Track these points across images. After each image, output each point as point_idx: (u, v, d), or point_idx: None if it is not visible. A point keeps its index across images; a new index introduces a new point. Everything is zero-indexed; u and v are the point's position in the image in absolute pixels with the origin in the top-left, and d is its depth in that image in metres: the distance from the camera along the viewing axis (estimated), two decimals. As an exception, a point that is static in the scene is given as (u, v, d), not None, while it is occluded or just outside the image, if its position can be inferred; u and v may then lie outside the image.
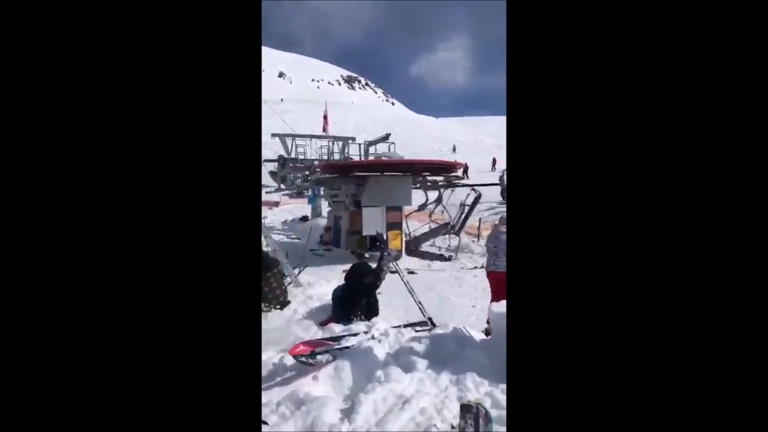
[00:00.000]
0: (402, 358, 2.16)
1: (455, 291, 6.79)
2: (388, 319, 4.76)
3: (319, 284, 5.64)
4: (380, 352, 2.27)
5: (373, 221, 10.08)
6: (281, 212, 18.70)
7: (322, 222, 14.48)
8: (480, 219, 12.40)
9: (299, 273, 6.56)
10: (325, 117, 16.35)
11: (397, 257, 10.23)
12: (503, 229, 4.24)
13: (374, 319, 2.95)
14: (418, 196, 11.71)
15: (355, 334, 2.64)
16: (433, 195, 12.89)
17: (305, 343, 2.43)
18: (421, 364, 2.06)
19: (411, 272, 8.88)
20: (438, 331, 2.58)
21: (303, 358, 2.13)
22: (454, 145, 41.50)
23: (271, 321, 4.05)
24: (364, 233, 10.22)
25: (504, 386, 1.85)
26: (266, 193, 17.63)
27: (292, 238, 13.88)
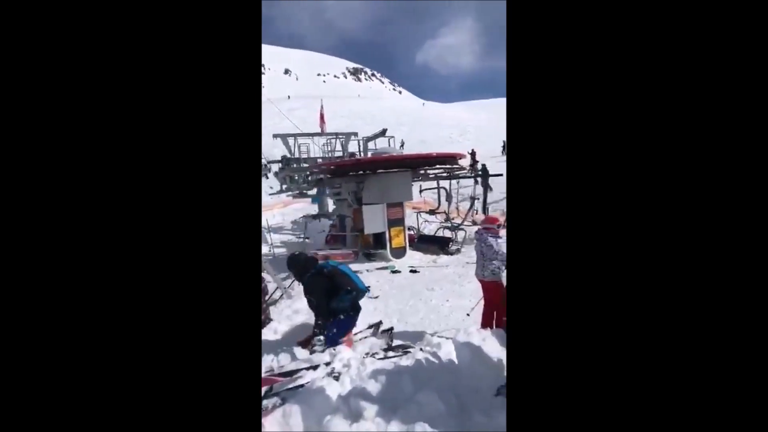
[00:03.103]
0: (353, 402, 1.95)
1: (456, 290, 6.52)
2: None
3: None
4: (334, 392, 2.08)
5: (374, 219, 9.87)
6: (291, 211, 18.67)
7: (330, 221, 14.33)
8: (487, 209, 12.04)
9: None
10: (322, 115, 16.08)
11: (401, 254, 10.06)
12: (488, 235, 3.93)
13: (339, 347, 2.74)
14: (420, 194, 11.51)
15: (315, 367, 2.44)
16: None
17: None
18: (371, 410, 1.86)
19: (413, 270, 8.68)
20: (402, 362, 2.37)
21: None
22: (402, 141, 33.18)
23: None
24: (366, 231, 10.03)
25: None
26: (269, 195, 17.60)
27: (301, 238, 13.80)
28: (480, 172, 14.03)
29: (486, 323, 3.84)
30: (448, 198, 12.78)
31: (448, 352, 2.47)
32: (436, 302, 5.96)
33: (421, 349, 2.63)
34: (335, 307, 3.16)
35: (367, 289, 3.50)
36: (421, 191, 13.38)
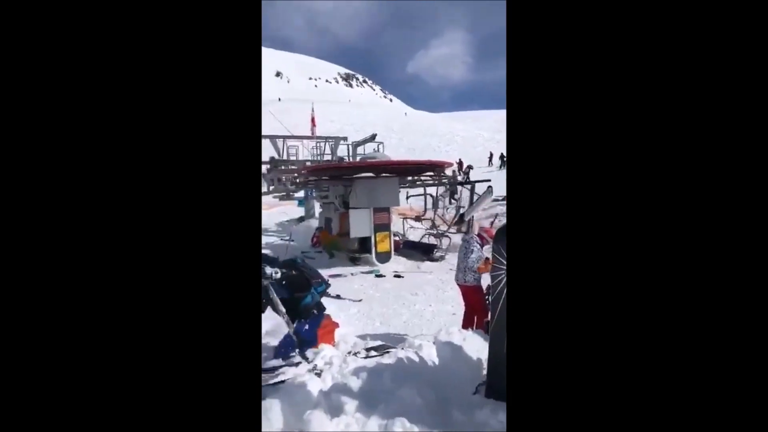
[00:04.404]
0: (334, 397, 1.97)
1: (439, 296, 6.58)
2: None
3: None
4: (315, 387, 2.09)
5: (360, 223, 9.90)
6: (276, 214, 18.55)
7: (315, 223, 14.29)
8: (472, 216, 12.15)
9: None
10: (313, 119, 16.14)
11: (386, 258, 10.09)
12: (475, 242, 4.01)
13: (322, 345, 2.75)
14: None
15: (297, 364, 2.45)
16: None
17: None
18: (352, 405, 1.88)
19: (397, 275, 8.72)
20: (384, 360, 2.40)
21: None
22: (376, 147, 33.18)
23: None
24: (352, 235, 10.06)
25: (433, 433, 1.67)
26: (256, 195, 17.52)
27: (285, 240, 13.71)
28: (466, 180, 14.22)
29: (466, 326, 3.90)
30: (435, 205, 12.91)
31: (429, 352, 2.51)
32: (419, 307, 6.00)
33: (402, 349, 2.66)
34: (307, 303, 3.12)
35: (328, 284, 3.69)
36: (408, 198, 13.49)
